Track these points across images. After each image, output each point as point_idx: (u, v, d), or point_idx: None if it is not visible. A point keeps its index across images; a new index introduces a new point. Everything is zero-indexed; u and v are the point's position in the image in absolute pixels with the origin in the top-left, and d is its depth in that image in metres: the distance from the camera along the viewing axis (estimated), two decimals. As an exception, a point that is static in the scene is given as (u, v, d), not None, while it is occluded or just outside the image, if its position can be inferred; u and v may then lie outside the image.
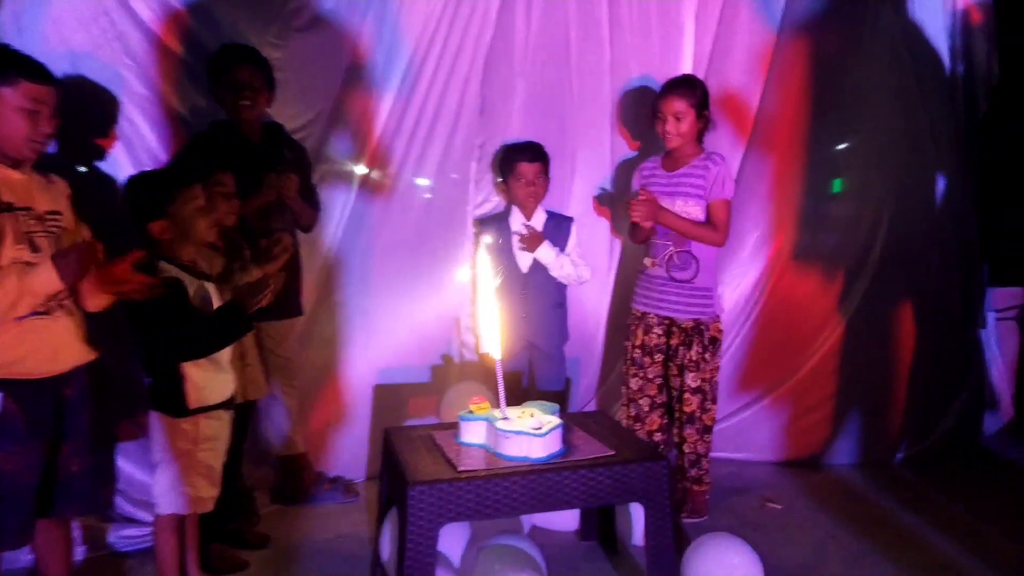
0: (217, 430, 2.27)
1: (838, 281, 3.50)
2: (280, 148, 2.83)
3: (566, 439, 2.23)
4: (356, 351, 3.20)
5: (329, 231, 3.14)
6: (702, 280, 2.95)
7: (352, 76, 3.09)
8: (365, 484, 3.22)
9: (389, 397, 3.26)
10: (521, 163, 3.11)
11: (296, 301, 2.99)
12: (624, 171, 3.49)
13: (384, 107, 3.14)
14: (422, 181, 3.26)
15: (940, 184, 3.51)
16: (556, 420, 2.21)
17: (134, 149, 2.73)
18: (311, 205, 2.97)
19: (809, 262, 3.49)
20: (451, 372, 3.35)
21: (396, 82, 3.13)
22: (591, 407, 3.62)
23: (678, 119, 2.89)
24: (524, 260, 3.16)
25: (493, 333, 2.23)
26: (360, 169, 3.15)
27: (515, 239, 3.14)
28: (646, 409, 3.10)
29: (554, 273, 3.15)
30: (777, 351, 3.54)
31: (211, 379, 2.22)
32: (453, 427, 2.33)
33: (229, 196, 2.45)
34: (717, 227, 2.90)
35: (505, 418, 2.21)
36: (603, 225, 3.55)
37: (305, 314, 3.04)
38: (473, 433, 2.26)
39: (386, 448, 2.38)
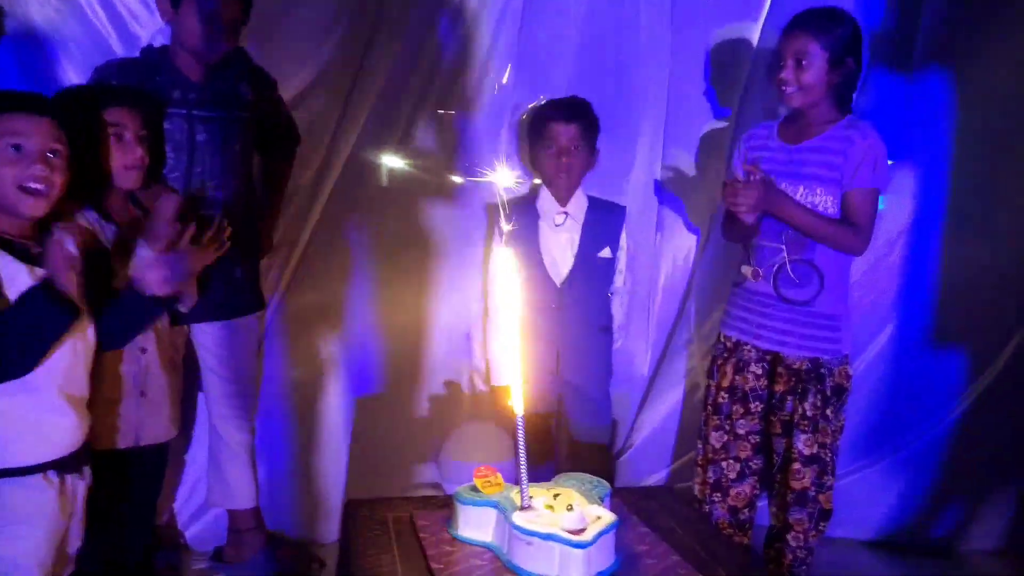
0: (29, 505, 1.40)
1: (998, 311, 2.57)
2: (232, 85, 2.05)
3: (620, 543, 1.38)
4: (331, 372, 2.38)
5: (307, 214, 2.35)
6: (826, 303, 2.07)
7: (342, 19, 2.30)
8: (337, 547, 2.39)
9: (372, 436, 2.45)
10: (553, 123, 2.22)
11: (250, 291, 2.16)
12: (712, 141, 2.59)
13: (387, 58, 2.32)
14: (432, 157, 2.43)
15: None
16: (609, 516, 1.36)
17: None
18: (285, 152, 2.24)
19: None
20: (457, 405, 2.52)
21: (403, 26, 2.32)
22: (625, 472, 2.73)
23: (800, 64, 2.01)
24: (560, 260, 2.27)
25: (512, 370, 1.39)
26: (349, 140, 2.34)
27: (546, 225, 2.27)
28: (732, 476, 2.22)
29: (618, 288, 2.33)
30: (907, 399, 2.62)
31: (20, 422, 1.39)
32: (449, 505, 1.51)
33: (129, 146, 1.68)
34: (858, 227, 2.01)
35: (527, 506, 1.37)
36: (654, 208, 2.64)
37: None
38: (475, 524, 1.43)
39: (344, 531, 1.57)
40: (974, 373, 2.57)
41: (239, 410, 2.15)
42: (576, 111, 2.23)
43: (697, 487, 2.29)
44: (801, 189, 2.04)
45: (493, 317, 2.35)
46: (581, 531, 1.30)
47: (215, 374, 2.10)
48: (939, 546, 2.64)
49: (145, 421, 1.75)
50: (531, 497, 1.38)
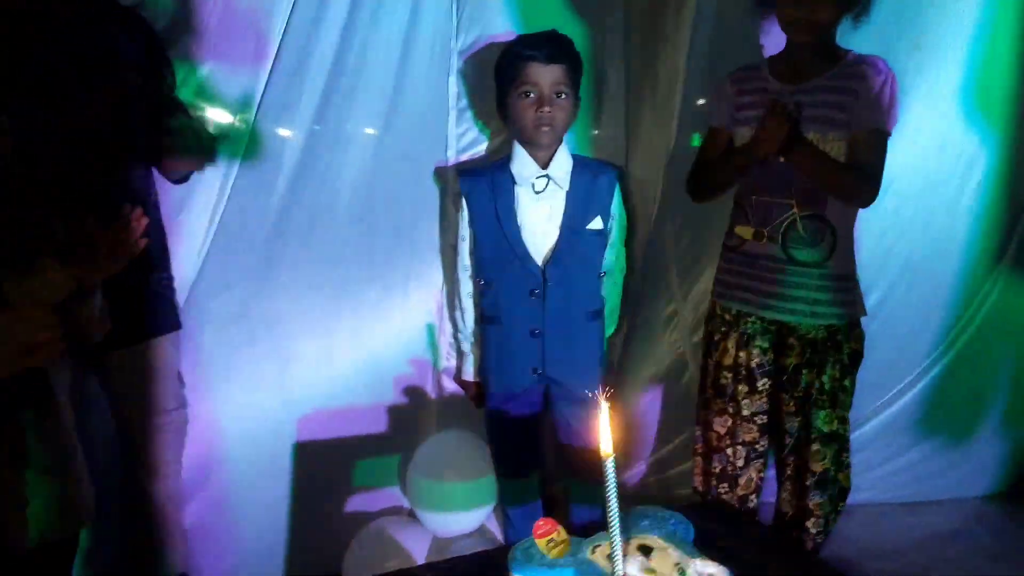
0: None
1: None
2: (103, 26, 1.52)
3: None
4: (262, 389, 1.91)
5: (209, 199, 1.84)
6: (840, 263, 1.84)
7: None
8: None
9: (319, 463, 2.00)
10: (531, 65, 1.81)
11: (163, 309, 1.71)
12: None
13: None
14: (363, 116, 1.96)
15: None
16: (721, 572, 1.05)
17: None
18: (177, 143, 1.70)
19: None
20: (422, 416, 2.10)
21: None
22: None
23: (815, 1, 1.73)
24: (541, 235, 1.88)
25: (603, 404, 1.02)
26: (255, 99, 1.83)
27: (525, 192, 1.88)
28: (740, 463, 1.98)
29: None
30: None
31: None
32: (484, 570, 1.14)
33: None
34: (871, 174, 1.78)
35: (623, 574, 1.03)
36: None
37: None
38: (546, 604, 1.07)
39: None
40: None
41: (158, 462, 1.67)
42: (559, 49, 1.82)
43: (698, 479, 2.05)
44: (813, 134, 1.78)
45: (460, 303, 1.97)
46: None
47: (132, 424, 1.63)
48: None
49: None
50: (625, 561, 1.04)
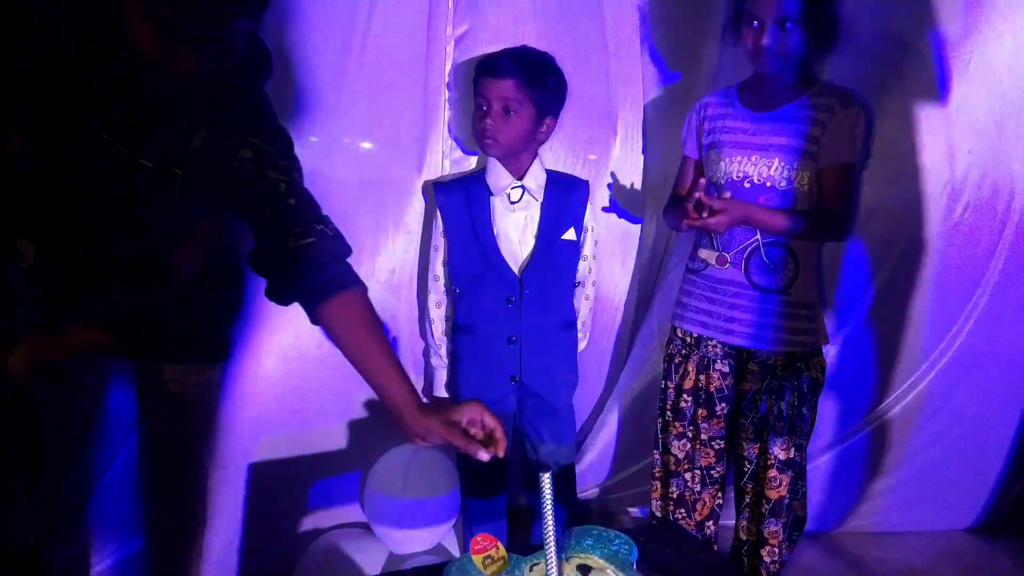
0: None
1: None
2: None
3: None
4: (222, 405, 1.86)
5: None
6: (803, 290, 1.85)
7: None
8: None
9: (277, 481, 1.96)
10: (483, 79, 1.83)
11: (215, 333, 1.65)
12: (662, 110, 2.25)
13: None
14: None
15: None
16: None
17: None
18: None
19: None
20: (386, 431, 2.06)
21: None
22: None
23: (783, 27, 1.75)
24: (518, 244, 1.90)
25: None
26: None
27: (500, 202, 1.89)
28: (696, 487, 1.97)
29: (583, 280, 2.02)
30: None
31: None
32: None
33: None
34: (840, 212, 1.79)
35: (559, 596, 1.01)
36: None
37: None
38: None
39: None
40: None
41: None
42: (513, 63, 1.81)
43: (656, 503, 2.03)
44: (777, 162, 1.79)
45: (428, 315, 1.96)
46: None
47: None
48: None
49: None
50: (560, 579, 1.03)
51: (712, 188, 1.84)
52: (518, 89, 1.81)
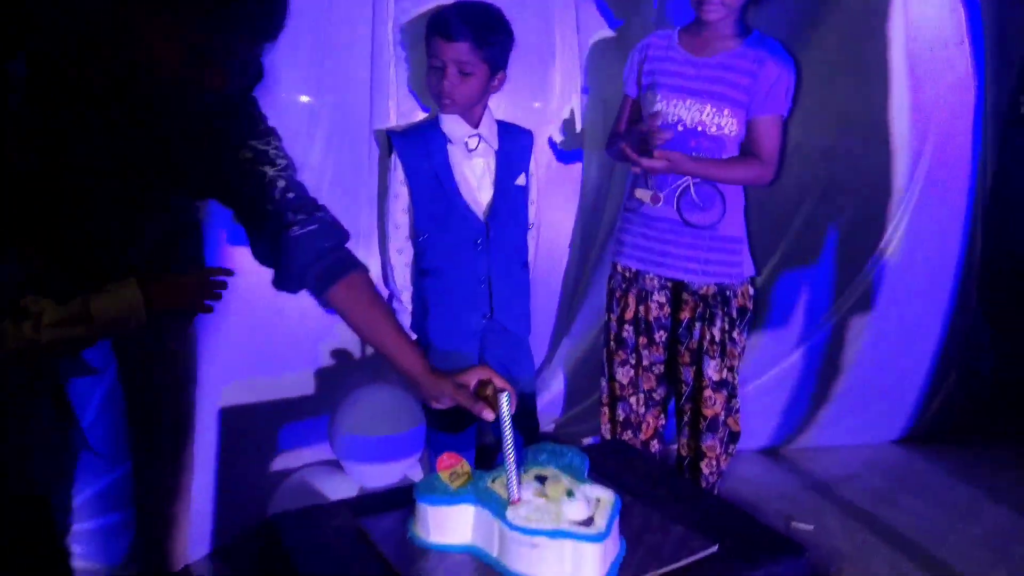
0: None
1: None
2: None
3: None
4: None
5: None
6: (729, 226, 2.00)
7: None
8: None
9: (245, 428, 2.05)
10: (437, 41, 1.88)
11: None
12: (603, 55, 2.36)
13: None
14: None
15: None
16: (608, 495, 1.18)
17: None
18: None
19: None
20: (351, 376, 2.18)
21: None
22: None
23: None
24: (479, 190, 2.01)
25: None
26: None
27: (458, 150, 1.98)
28: (640, 410, 2.14)
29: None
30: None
31: None
32: (394, 505, 1.26)
33: None
34: (764, 158, 1.94)
35: (517, 499, 1.16)
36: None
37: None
38: (449, 528, 1.19)
39: (268, 556, 1.26)
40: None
41: None
42: (465, 24, 1.87)
43: (605, 427, 2.20)
44: (709, 108, 1.92)
45: (389, 260, 2.06)
46: (587, 521, 1.12)
47: None
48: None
49: None
50: (519, 487, 1.17)
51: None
52: (472, 51, 1.88)
